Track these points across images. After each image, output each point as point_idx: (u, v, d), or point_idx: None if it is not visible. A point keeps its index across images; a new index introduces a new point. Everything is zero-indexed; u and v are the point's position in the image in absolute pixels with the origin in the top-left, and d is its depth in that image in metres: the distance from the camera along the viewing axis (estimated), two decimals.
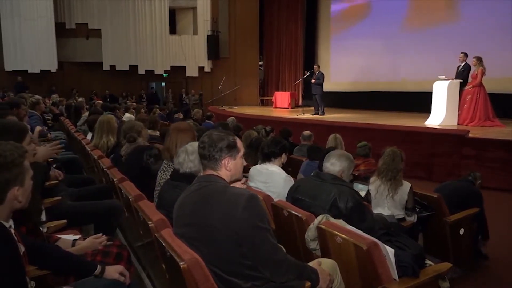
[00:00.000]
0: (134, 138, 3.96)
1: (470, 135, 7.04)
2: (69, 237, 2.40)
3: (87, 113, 7.54)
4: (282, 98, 15.40)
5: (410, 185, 3.41)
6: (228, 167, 1.89)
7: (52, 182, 3.16)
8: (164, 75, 17.35)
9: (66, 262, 1.96)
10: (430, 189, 3.72)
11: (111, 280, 1.93)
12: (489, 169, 6.41)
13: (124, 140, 4.13)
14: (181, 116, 9.62)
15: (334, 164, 2.74)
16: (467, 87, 8.36)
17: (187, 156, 2.63)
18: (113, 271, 1.95)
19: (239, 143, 1.95)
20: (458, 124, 8.35)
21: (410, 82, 12.21)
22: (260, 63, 18.89)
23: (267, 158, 3.41)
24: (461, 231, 3.42)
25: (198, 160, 2.57)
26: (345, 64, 14.55)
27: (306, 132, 6.11)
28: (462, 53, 8.54)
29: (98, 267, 1.93)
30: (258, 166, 3.49)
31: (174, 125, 3.65)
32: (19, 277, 1.58)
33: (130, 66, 16.49)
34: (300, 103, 15.39)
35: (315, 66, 11.86)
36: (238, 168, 1.96)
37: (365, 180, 3.87)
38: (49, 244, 2.11)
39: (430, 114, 8.70)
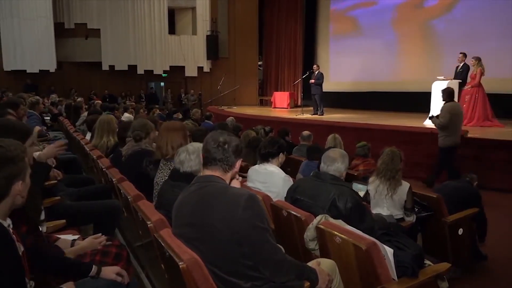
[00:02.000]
0: (140, 137, 3.80)
1: (469, 135, 7.05)
2: (68, 237, 2.40)
3: (86, 113, 7.53)
4: (281, 98, 15.42)
5: (409, 185, 3.41)
6: (237, 168, 1.95)
7: (51, 182, 3.16)
8: (163, 75, 17.34)
9: (61, 264, 1.95)
10: (430, 189, 3.72)
11: (110, 281, 1.93)
12: (488, 170, 6.41)
13: (129, 138, 3.98)
14: (180, 116, 9.60)
15: (339, 168, 2.76)
16: (466, 87, 8.37)
17: (188, 155, 2.63)
18: (110, 272, 1.95)
19: None
20: None
21: (409, 82, 12.21)
22: (259, 63, 18.90)
23: (265, 158, 3.42)
24: (460, 231, 3.42)
25: (199, 160, 2.59)
26: (344, 64, 14.56)
27: (306, 132, 6.10)
28: (461, 53, 8.54)
29: (94, 267, 1.92)
30: (256, 166, 3.50)
31: (165, 124, 3.65)
32: (18, 277, 1.57)
33: (129, 66, 16.48)
34: (299, 103, 15.40)
35: (314, 66, 11.86)
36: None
37: (364, 180, 3.87)
38: (43, 246, 2.10)
39: (429, 114, 8.70)
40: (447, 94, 6.19)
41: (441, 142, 6.11)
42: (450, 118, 5.93)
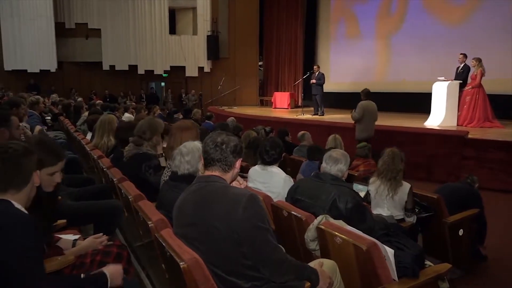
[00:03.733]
0: (140, 143, 3.63)
1: (469, 136, 7.05)
2: (69, 237, 2.40)
3: (86, 113, 7.53)
4: (281, 98, 15.41)
5: (409, 185, 3.40)
6: (237, 168, 1.96)
7: None
8: (164, 75, 17.34)
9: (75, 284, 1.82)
10: (431, 190, 3.72)
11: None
12: (489, 170, 6.42)
13: (133, 137, 3.80)
14: (180, 116, 9.59)
15: (342, 168, 2.77)
16: (466, 88, 8.37)
17: (182, 157, 2.62)
18: (115, 272, 1.85)
19: None
20: (457, 125, 8.36)
21: (410, 83, 12.21)
22: (260, 63, 18.88)
23: (270, 164, 3.41)
24: (460, 232, 3.42)
25: (195, 159, 2.58)
26: (344, 64, 14.54)
27: (300, 133, 6.13)
28: (461, 54, 8.55)
29: (105, 273, 1.82)
30: (257, 167, 3.49)
31: (177, 124, 3.64)
32: (40, 266, 1.60)
33: (129, 66, 16.48)
34: (299, 104, 15.39)
35: (315, 67, 11.85)
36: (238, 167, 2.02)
37: (364, 180, 3.87)
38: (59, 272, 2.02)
39: (429, 115, 8.71)
40: (364, 94, 7.46)
41: (357, 135, 7.26)
42: (364, 113, 7.20)
